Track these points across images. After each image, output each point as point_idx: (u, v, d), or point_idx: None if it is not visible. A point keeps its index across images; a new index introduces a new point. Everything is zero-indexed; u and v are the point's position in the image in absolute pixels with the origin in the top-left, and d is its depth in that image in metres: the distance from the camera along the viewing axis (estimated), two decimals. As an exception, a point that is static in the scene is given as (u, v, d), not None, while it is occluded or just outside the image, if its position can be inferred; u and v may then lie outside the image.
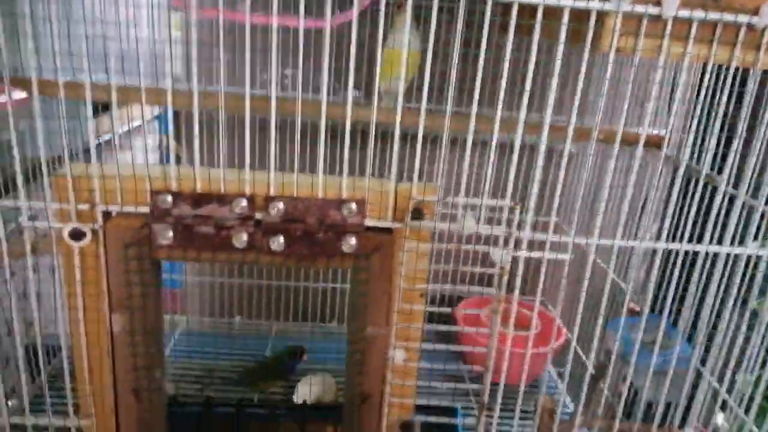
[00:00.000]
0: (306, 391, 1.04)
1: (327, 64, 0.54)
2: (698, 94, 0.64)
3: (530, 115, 1.08)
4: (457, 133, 1.16)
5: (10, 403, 0.70)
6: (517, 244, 0.57)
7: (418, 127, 0.57)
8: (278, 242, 0.56)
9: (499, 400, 0.63)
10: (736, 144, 0.60)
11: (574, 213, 0.62)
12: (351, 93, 0.57)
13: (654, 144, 0.98)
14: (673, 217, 0.80)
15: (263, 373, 1.08)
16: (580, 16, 0.53)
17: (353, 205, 0.56)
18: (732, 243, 0.61)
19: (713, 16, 0.51)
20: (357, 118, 0.67)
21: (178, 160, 1.18)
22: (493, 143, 0.58)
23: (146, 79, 0.57)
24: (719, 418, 0.82)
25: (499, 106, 0.56)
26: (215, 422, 0.92)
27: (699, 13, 0.51)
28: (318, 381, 1.05)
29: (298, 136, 0.58)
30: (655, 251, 0.63)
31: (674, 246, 0.59)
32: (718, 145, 0.72)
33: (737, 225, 0.63)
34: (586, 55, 0.53)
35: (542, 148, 0.58)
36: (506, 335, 0.69)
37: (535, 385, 1.14)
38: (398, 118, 0.56)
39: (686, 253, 0.62)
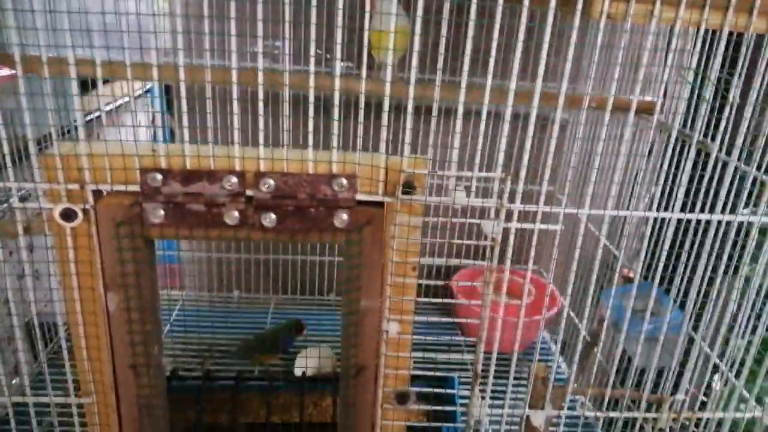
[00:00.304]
0: (305, 363, 1.05)
1: (315, 35, 0.53)
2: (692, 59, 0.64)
3: (522, 83, 1.07)
4: (449, 103, 1.16)
5: (13, 381, 0.71)
6: (509, 216, 0.57)
7: (410, 99, 0.56)
8: (270, 218, 0.56)
9: (493, 368, 0.64)
10: (728, 111, 0.60)
11: (566, 182, 0.62)
12: (339, 65, 0.57)
13: (646, 110, 0.98)
14: (665, 185, 0.80)
15: (262, 347, 1.09)
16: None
17: (344, 180, 0.56)
18: (723, 210, 0.61)
19: (705, -20, 0.50)
20: (349, 90, 0.66)
21: (173, 134, 1.18)
22: (483, 113, 0.57)
23: (132, 54, 0.56)
24: (714, 379, 0.84)
25: (490, 75, 0.55)
26: (215, 395, 0.94)
27: (691, -23, 0.50)
28: (316, 353, 1.06)
29: (287, 111, 0.57)
30: (646, 220, 0.64)
31: (665, 215, 0.59)
32: (711, 111, 0.72)
33: (729, 192, 0.63)
34: (576, 23, 0.53)
35: (533, 116, 0.58)
36: (499, 304, 0.69)
37: (531, 352, 1.16)
38: (387, 91, 0.55)
39: (678, 221, 0.62)
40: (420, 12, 0.54)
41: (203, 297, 1.33)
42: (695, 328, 0.76)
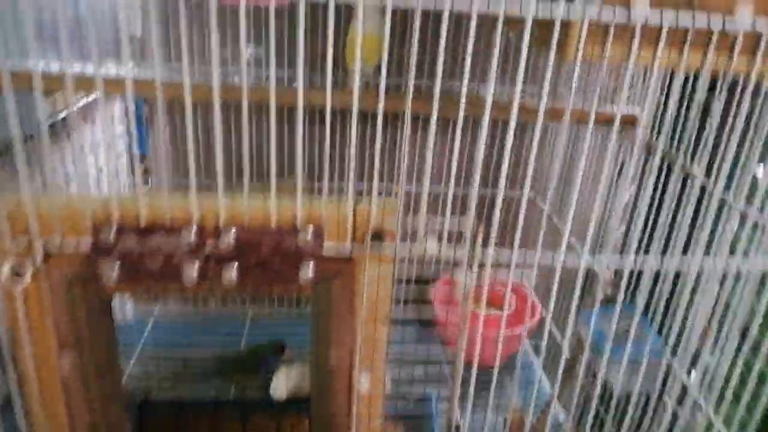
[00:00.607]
0: (282, 383, 1.03)
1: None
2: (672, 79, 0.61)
3: (502, 89, 1.05)
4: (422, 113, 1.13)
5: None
6: (482, 265, 0.55)
7: (377, 142, 0.53)
8: (231, 273, 0.53)
9: (472, 391, 0.62)
10: (709, 133, 0.58)
11: (540, 237, 0.60)
12: (300, 82, 0.53)
13: (627, 123, 0.96)
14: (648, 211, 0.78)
15: (240, 367, 1.07)
16: (544, 22, 0.49)
17: (310, 231, 0.53)
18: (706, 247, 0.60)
19: (686, 20, 0.48)
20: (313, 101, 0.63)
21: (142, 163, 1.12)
22: (458, 130, 0.54)
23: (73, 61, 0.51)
24: (691, 377, 0.83)
25: (464, 89, 0.52)
26: (190, 420, 0.92)
27: (670, 16, 0.48)
28: (294, 373, 1.04)
29: (246, 152, 0.54)
30: (626, 230, 0.62)
31: (640, 261, 0.58)
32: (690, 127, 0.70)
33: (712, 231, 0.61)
34: (550, 64, 0.50)
35: (510, 134, 0.55)
36: (479, 316, 0.66)
37: (512, 363, 1.14)
38: (353, 139, 0.53)
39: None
40: (388, 30, 0.50)
41: (179, 309, 1.30)
42: (674, 353, 0.75)
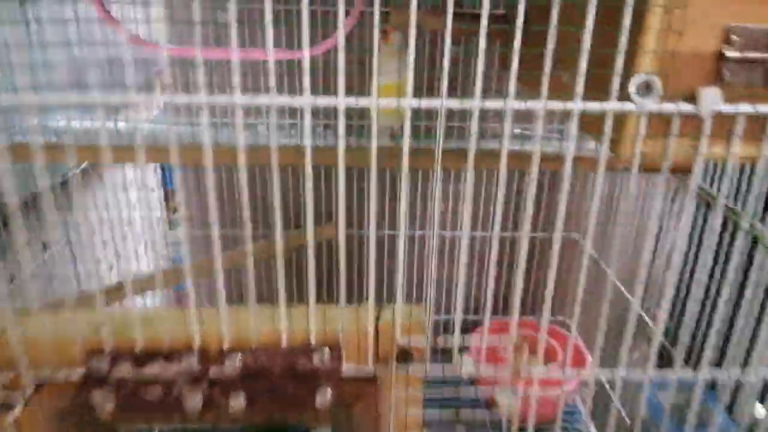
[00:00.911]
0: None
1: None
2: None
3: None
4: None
5: None
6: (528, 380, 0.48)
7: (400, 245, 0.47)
8: (238, 401, 0.47)
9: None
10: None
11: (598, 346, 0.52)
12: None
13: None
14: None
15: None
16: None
17: (326, 352, 0.47)
18: None
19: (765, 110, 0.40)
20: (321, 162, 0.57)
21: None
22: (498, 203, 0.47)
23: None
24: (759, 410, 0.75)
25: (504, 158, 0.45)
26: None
27: (746, 108, 0.39)
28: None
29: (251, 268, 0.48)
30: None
31: (691, 375, 0.49)
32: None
33: None
34: (601, 171, 0.42)
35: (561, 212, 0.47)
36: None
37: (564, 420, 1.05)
38: (372, 246, 0.46)
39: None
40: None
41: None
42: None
